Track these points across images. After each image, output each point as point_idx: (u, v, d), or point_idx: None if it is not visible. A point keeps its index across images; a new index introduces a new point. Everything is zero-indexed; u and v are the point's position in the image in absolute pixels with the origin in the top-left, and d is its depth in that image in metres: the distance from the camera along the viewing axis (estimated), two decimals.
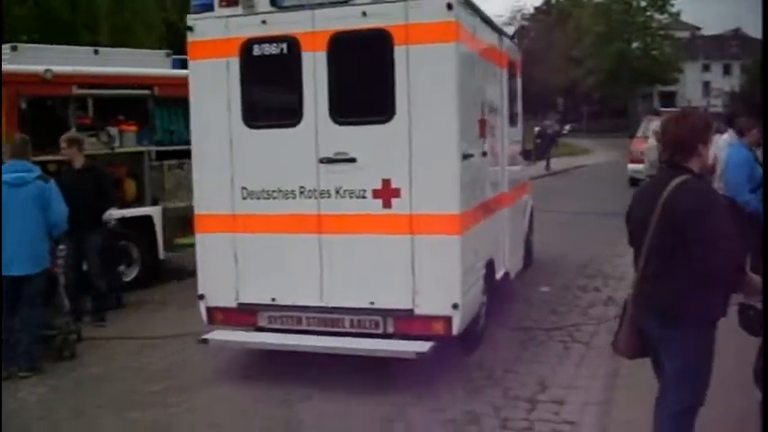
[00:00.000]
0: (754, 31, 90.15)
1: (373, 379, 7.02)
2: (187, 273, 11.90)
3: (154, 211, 11.82)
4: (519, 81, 11.19)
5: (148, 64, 12.27)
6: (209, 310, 7.72)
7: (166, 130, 12.13)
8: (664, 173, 4.46)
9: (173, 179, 12.13)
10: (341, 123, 7.19)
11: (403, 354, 6.88)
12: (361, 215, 7.17)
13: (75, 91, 10.98)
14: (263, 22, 7.34)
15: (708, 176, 10.33)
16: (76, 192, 8.84)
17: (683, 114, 4.57)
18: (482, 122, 8.10)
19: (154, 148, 11.97)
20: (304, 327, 7.38)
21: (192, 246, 8.46)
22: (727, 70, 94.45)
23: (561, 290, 10.76)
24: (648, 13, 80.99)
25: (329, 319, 7.28)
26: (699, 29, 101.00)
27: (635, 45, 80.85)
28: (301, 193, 7.30)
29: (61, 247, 8.70)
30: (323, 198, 7.24)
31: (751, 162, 9.64)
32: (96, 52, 12.07)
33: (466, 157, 7.20)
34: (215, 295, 7.68)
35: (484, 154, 8.16)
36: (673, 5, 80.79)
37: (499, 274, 9.04)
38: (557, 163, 33.07)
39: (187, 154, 11.06)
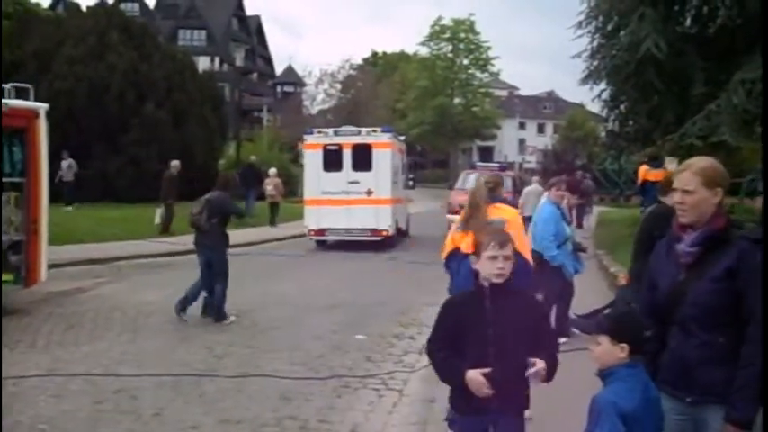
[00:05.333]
0: (566, 95, 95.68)
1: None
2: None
3: None
4: (405, 157, 26.98)
5: None
6: (309, 231, 21.80)
7: None
8: None
9: None
10: (355, 171, 21.47)
11: (375, 239, 21.50)
12: (360, 198, 21.25)
13: None
14: (331, 138, 22.03)
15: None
16: None
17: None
18: (396, 173, 22.67)
19: None
20: (342, 236, 21.64)
21: (8, 282, 11.61)
22: (541, 129, 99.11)
23: (377, 337, 10.76)
24: (470, 71, 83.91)
25: (350, 231, 21.57)
26: (516, 89, 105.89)
27: (457, 100, 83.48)
28: (341, 192, 21.32)
29: None
30: (348, 194, 21.31)
31: (557, 218, 10.23)
32: None
33: (393, 182, 21.99)
34: (311, 225, 21.73)
35: (397, 182, 22.80)
36: (493, 65, 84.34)
37: (399, 226, 23.45)
38: None
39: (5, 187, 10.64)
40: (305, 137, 22.79)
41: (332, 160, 21.52)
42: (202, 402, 7.73)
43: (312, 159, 22.05)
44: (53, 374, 8.59)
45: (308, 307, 13.02)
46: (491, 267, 4.19)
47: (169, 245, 20.34)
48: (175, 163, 23.79)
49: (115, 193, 33.12)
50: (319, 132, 22.75)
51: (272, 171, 28.90)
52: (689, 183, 3.84)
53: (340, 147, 21.61)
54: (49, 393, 7.92)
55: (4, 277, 11.68)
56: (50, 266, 12.68)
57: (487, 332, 4.11)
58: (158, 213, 23.25)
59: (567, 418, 5.19)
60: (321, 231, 21.58)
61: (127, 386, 8.19)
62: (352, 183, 21.34)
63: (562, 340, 10.20)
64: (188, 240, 20.95)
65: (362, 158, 21.42)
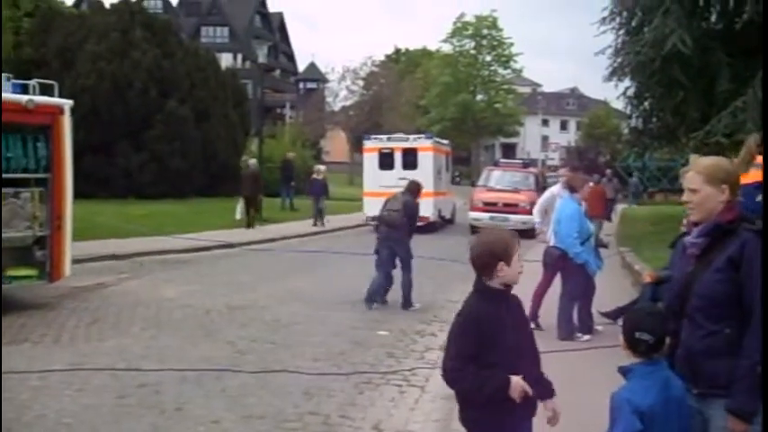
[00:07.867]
0: (590, 92, 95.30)
1: None
2: (21, 305, 11.35)
3: None
4: (449, 158, 32.41)
5: None
6: (366, 217, 25.72)
7: (3, 157, 11.23)
8: None
9: (8, 208, 11.32)
10: (405, 169, 25.51)
11: (420, 224, 16.33)
12: None
13: None
14: (385, 143, 27.70)
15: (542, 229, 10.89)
16: None
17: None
18: (438, 171, 27.85)
19: None
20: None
21: (29, 278, 11.73)
22: (564, 126, 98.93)
23: (398, 334, 10.76)
24: (493, 68, 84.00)
25: None
26: (539, 85, 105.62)
27: (479, 97, 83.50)
28: (393, 186, 18.26)
29: None
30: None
31: (580, 215, 10.19)
32: None
33: (436, 179, 26.82)
34: (369, 213, 24.82)
35: (440, 178, 28.22)
36: (516, 62, 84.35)
37: (443, 215, 28.89)
38: None
39: (26, 182, 10.64)
40: (364, 142, 28.56)
41: (386, 161, 26.88)
42: (225, 397, 7.75)
43: (370, 160, 27.53)
44: (77, 369, 8.63)
45: (330, 303, 13.02)
46: (519, 268, 4.08)
47: (192, 241, 20.42)
48: (254, 161, 27.68)
49: (138, 190, 33.29)
50: (376, 138, 28.42)
51: (317, 168, 31.01)
52: (693, 181, 3.91)
53: (392, 150, 27.18)
54: (74, 388, 7.96)
55: (29, 272, 11.79)
56: (74, 262, 12.74)
57: (511, 337, 4.03)
58: (239, 210, 25.39)
59: (590, 416, 5.15)
60: (372, 218, 25.21)
61: (150, 381, 8.22)
62: (401, 179, 24.38)
63: (585, 337, 10.19)
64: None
65: (410, 159, 26.59)
